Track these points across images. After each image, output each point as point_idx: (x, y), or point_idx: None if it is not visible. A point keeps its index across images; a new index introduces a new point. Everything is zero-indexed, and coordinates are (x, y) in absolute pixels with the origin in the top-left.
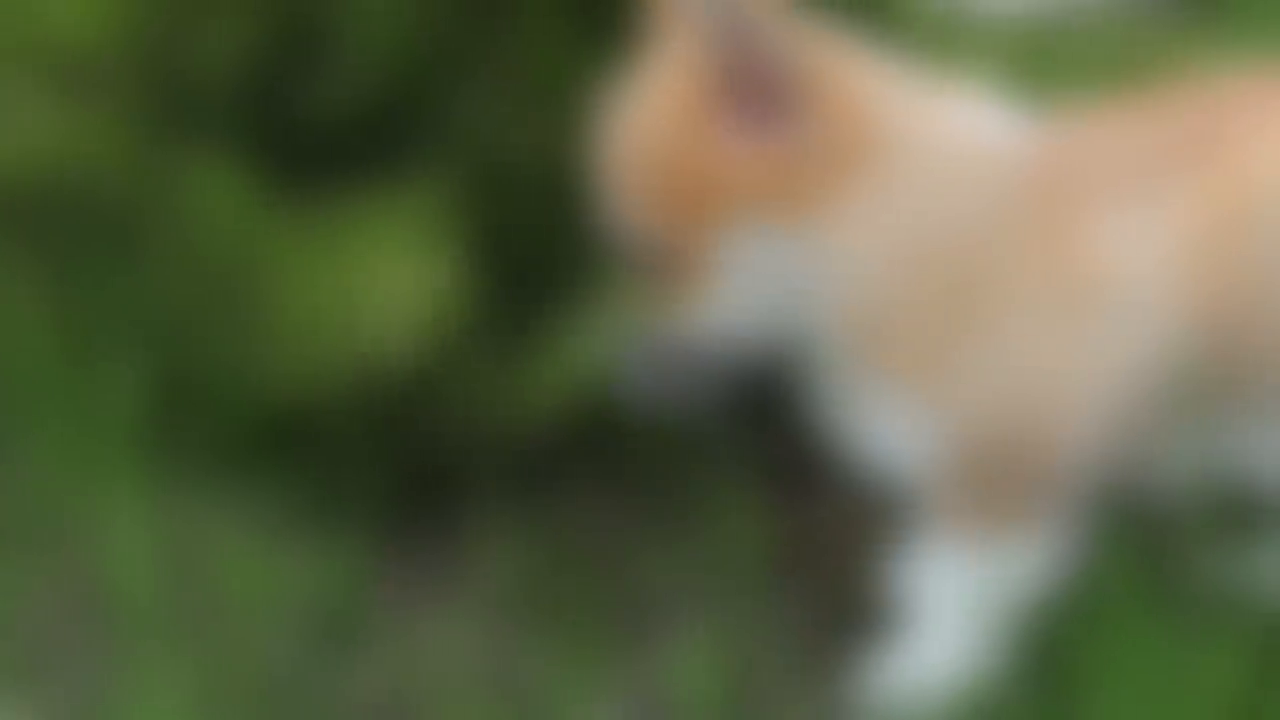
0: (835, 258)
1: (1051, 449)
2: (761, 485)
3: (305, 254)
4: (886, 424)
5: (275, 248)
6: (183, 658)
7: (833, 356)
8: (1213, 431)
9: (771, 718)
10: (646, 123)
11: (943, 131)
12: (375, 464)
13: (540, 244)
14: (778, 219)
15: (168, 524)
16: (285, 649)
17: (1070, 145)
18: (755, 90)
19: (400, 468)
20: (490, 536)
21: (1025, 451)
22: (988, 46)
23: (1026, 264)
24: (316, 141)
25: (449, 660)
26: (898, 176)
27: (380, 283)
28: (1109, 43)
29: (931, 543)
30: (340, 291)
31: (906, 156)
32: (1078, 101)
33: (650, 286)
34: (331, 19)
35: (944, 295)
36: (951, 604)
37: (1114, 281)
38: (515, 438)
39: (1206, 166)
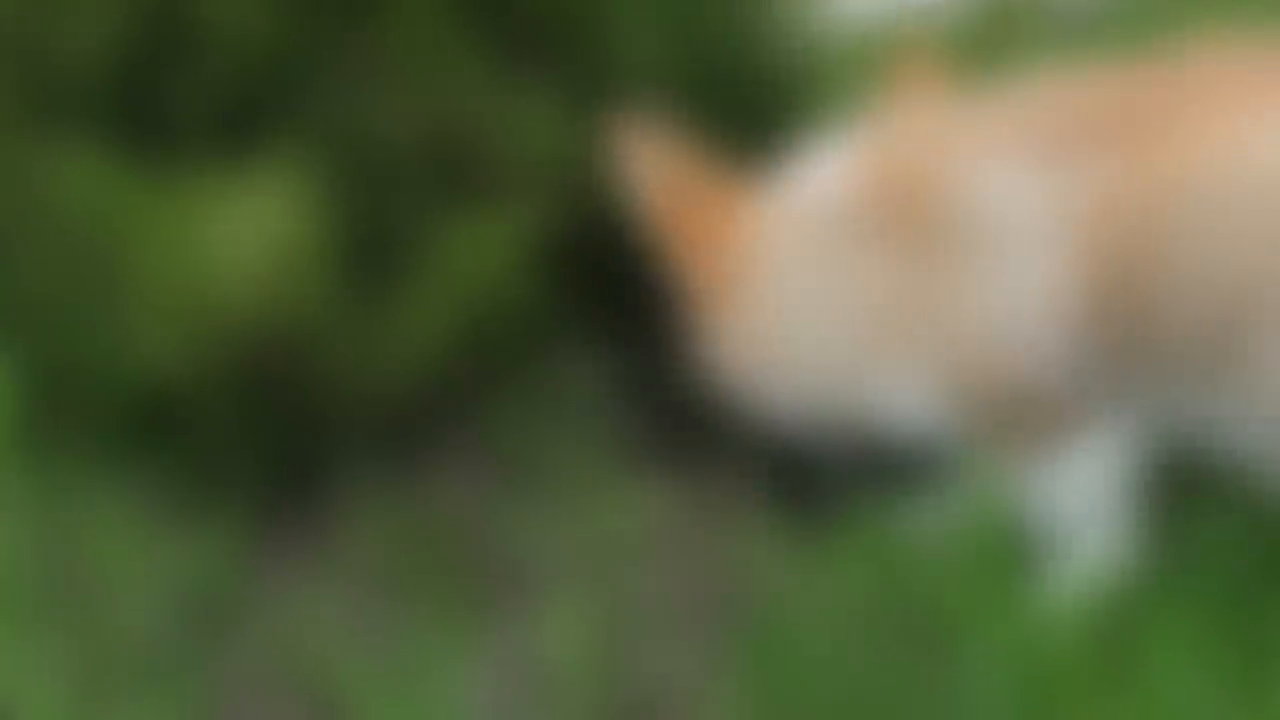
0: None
1: (1014, 372)
2: (640, 457)
3: (170, 231)
4: (900, 403)
5: (140, 227)
6: (63, 639)
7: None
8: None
9: (644, 683)
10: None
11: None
12: (247, 440)
13: (402, 214)
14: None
15: (46, 507)
16: (164, 627)
17: (989, 108)
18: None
19: (271, 441)
20: (362, 507)
21: (999, 377)
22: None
23: (916, 234)
24: (182, 125)
25: (325, 631)
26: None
27: (244, 253)
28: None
29: (1011, 472)
30: (204, 263)
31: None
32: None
33: None
34: (193, 7)
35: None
36: (1061, 514)
37: (1003, 231)
38: (382, 402)
39: (1142, 139)
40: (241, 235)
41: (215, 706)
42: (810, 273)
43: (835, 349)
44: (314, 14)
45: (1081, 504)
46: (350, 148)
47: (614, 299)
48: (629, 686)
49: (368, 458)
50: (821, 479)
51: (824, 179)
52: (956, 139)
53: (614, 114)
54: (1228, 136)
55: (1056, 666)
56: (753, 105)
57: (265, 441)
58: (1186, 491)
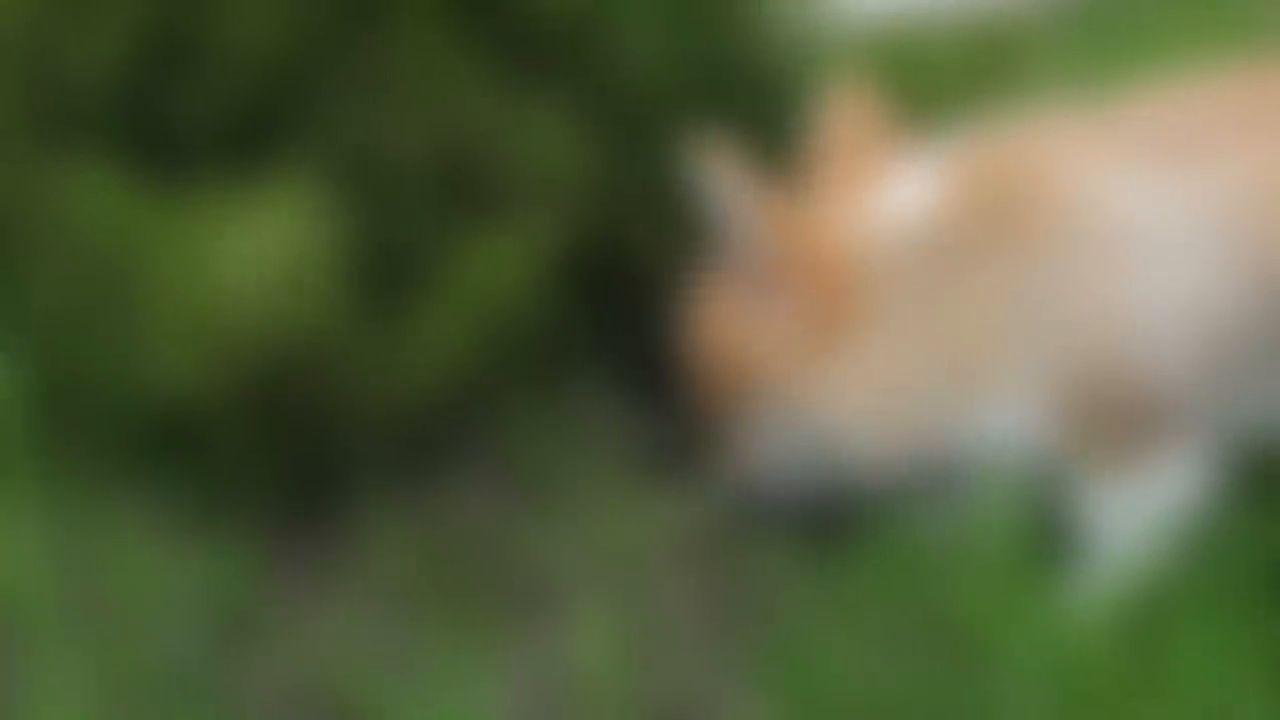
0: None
1: (1138, 378)
2: (658, 468)
3: (183, 247)
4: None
5: (153, 244)
6: (84, 658)
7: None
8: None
9: (669, 695)
10: (705, 315)
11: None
12: (262, 456)
13: (415, 229)
14: (786, 396)
15: (62, 524)
16: (184, 645)
17: (1106, 116)
18: (757, 278)
19: (289, 458)
20: (381, 522)
21: (1119, 385)
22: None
23: (1035, 237)
24: (192, 142)
25: (346, 648)
26: (881, 303)
27: (257, 269)
28: (975, 45)
29: (1085, 486)
30: (220, 280)
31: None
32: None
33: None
34: (201, 24)
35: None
36: (1117, 534)
37: (1135, 233)
38: (399, 417)
39: (1260, 131)
40: (255, 252)
41: None
42: (907, 298)
43: (933, 374)
44: (320, 30)
45: (1149, 519)
46: (361, 163)
47: (629, 309)
48: (654, 699)
49: (385, 473)
50: (843, 487)
51: (908, 201)
52: (1063, 149)
53: (671, 139)
54: None
55: (1088, 671)
56: (760, 110)
57: (282, 458)
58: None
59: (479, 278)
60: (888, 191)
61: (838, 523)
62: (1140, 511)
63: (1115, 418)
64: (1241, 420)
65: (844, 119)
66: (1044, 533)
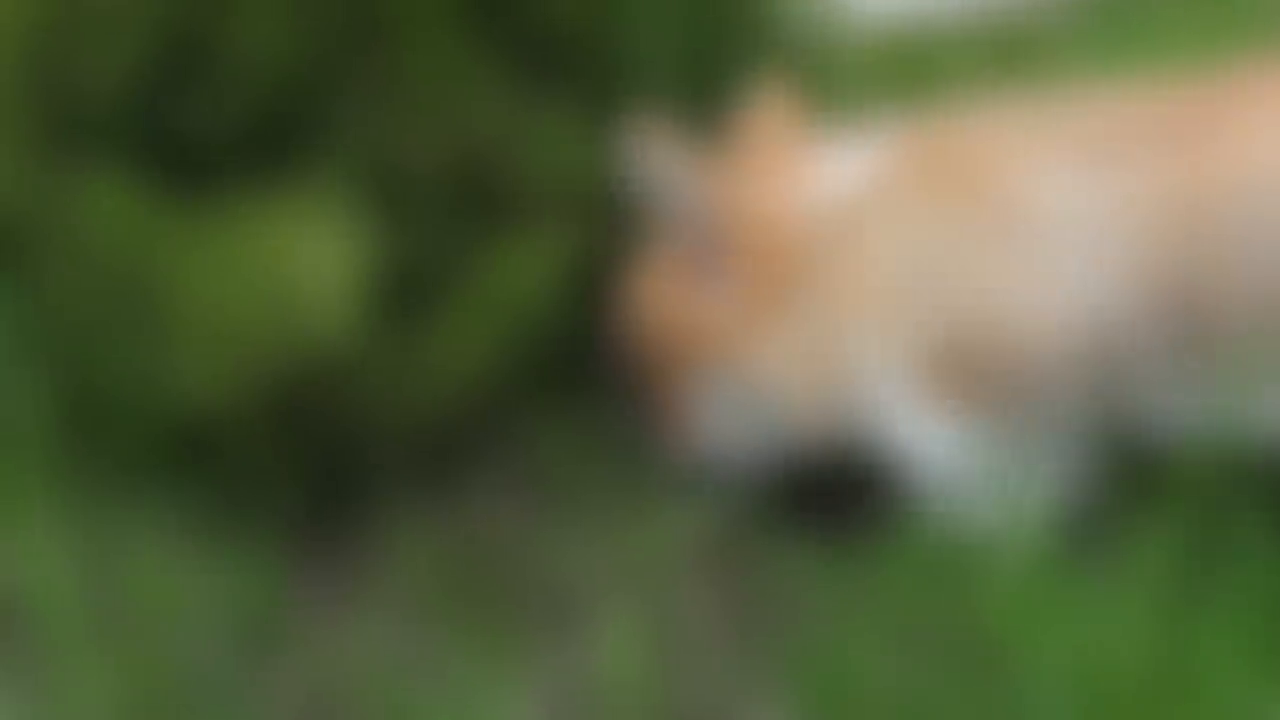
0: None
1: (1010, 348)
2: (678, 475)
3: (202, 258)
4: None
5: (172, 254)
6: (104, 667)
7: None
8: (1213, 391)
9: (694, 703)
10: (642, 293)
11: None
12: (283, 466)
13: (435, 238)
14: (727, 367)
15: (83, 535)
16: (206, 655)
17: (1029, 113)
18: (694, 252)
19: (310, 469)
20: (402, 532)
21: (987, 346)
22: (863, 52)
23: (939, 214)
24: (209, 150)
25: (369, 658)
26: (812, 279)
27: (279, 280)
28: (984, 45)
29: (926, 417)
30: (240, 291)
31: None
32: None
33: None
34: (216, 32)
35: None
36: (951, 472)
37: (1050, 222)
38: (420, 427)
39: (1195, 144)
40: (274, 261)
41: None
42: (836, 263)
43: (852, 337)
44: (335, 37)
45: (968, 474)
46: (377, 172)
47: None
48: (679, 706)
49: (407, 484)
50: (857, 490)
51: (843, 173)
52: (995, 136)
53: (620, 120)
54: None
55: (1115, 674)
56: None
57: (304, 469)
58: (1229, 492)
59: (498, 286)
60: (821, 165)
61: (855, 523)
62: (958, 460)
63: (974, 368)
64: (1120, 422)
65: (763, 110)
66: (1068, 536)
